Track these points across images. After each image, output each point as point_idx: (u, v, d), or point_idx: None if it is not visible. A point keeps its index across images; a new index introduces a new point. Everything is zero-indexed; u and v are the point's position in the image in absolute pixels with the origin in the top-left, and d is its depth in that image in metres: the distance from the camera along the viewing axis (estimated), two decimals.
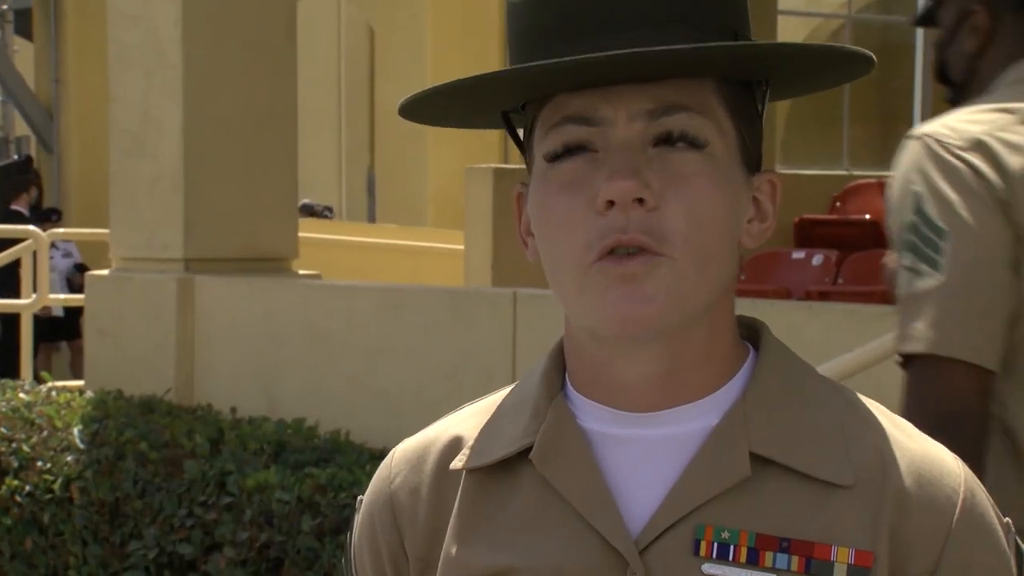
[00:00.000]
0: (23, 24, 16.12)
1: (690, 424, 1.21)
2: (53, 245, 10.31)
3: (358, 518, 1.33)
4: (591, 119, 1.18)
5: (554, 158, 1.19)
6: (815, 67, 1.24)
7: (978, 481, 1.23)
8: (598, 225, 1.17)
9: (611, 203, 1.16)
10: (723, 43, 1.17)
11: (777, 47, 1.20)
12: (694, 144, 1.18)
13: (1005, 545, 1.22)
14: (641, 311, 1.16)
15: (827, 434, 1.21)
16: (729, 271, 1.22)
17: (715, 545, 1.18)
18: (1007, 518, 1.24)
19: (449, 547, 1.25)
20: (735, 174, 1.21)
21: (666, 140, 1.18)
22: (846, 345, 3.94)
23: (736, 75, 1.21)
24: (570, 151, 1.19)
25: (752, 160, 1.23)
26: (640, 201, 1.16)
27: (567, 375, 1.26)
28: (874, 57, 1.22)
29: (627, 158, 1.16)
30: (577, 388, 1.25)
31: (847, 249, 8.08)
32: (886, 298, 7.27)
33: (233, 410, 5.91)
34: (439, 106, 1.25)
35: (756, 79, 1.23)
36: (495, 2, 14.06)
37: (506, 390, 1.31)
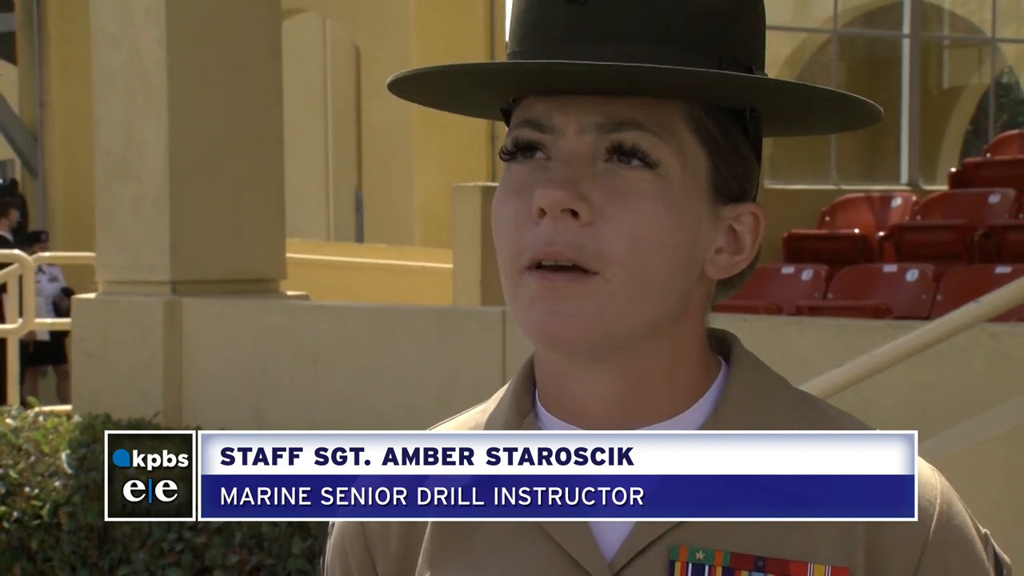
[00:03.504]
0: (6, 47, 16.10)
1: None
2: (40, 269, 10.27)
3: (330, 542, 1.31)
4: (544, 126, 1.16)
5: (508, 157, 1.19)
6: (802, 103, 1.19)
7: (955, 492, 1.22)
8: (531, 233, 1.15)
9: (544, 212, 1.14)
10: (658, 66, 1.13)
11: (723, 78, 1.14)
12: (643, 162, 1.14)
13: (983, 555, 1.20)
14: (560, 328, 1.14)
15: None
16: (682, 297, 1.18)
17: (689, 566, 1.16)
18: (985, 529, 1.23)
19: (422, 571, 1.23)
20: (695, 200, 1.17)
21: (618, 157, 1.15)
22: (837, 359, 3.92)
23: (709, 101, 1.17)
24: (523, 151, 1.17)
25: (729, 190, 1.19)
26: (575, 215, 1.13)
27: (537, 393, 1.24)
28: (870, 103, 1.17)
29: (566, 169, 1.14)
30: (545, 406, 1.23)
31: (836, 264, 8.07)
32: (876, 312, 7.24)
33: None
34: (425, 91, 1.23)
35: (736, 107, 1.19)
36: (481, 18, 14.08)
37: (480, 407, 1.29)
